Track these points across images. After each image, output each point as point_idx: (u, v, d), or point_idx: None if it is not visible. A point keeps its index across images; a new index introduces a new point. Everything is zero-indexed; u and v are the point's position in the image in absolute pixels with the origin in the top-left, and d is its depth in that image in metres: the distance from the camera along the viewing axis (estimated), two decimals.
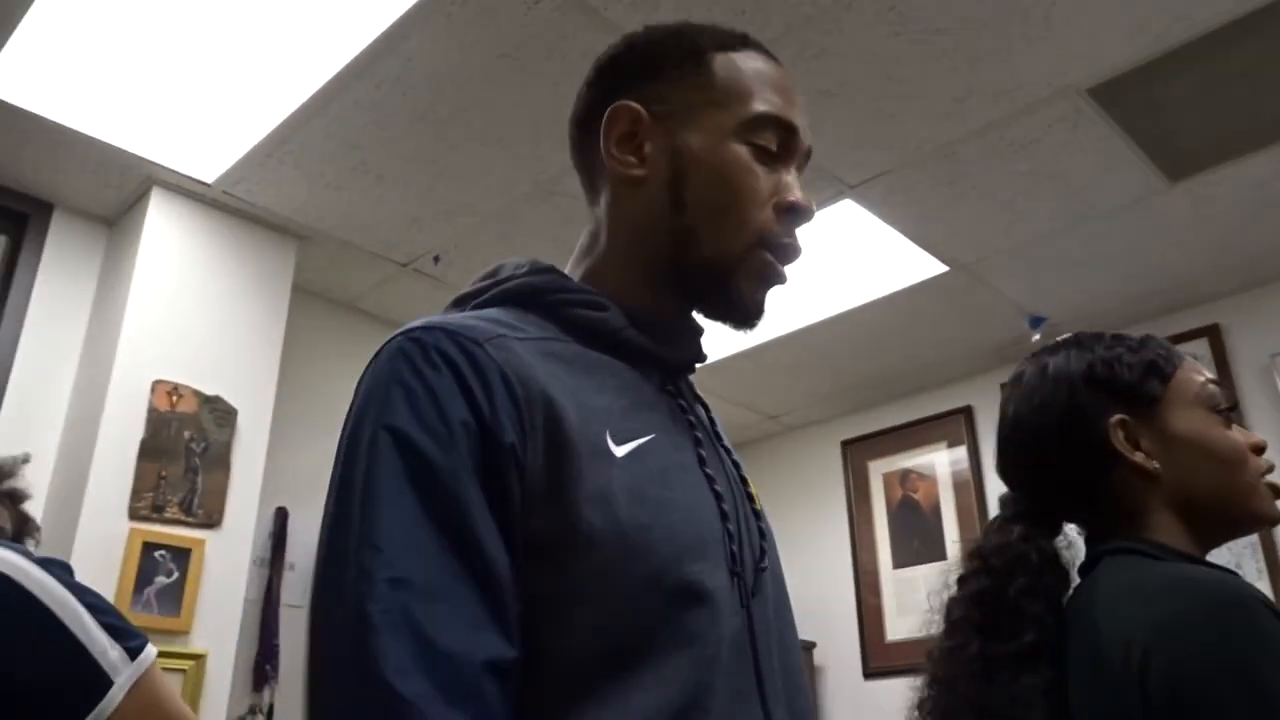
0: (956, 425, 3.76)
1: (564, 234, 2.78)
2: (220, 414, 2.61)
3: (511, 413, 0.67)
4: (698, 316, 0.86)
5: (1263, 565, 2.96)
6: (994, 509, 1.09)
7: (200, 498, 2.51)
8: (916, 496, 3.83)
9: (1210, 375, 1.07)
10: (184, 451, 2.51)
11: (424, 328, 0.72)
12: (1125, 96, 2.38)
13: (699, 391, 0.90)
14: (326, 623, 0.62)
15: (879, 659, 3.72)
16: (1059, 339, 1.12)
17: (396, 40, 2.18)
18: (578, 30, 2.15)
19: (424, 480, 0.64)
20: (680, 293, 0.82)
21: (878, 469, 3.99)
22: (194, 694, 2.35)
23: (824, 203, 2.77)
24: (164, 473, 2.47)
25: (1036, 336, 3.24)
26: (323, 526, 0.67)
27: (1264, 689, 0.80)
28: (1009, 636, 0.94)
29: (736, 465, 0.86)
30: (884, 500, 3.93)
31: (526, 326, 0.75)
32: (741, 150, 0.79)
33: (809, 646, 3.83)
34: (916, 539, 3.77)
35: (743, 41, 0.85)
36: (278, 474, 2.84)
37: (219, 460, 2.57)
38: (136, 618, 2.31)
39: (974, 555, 1.03)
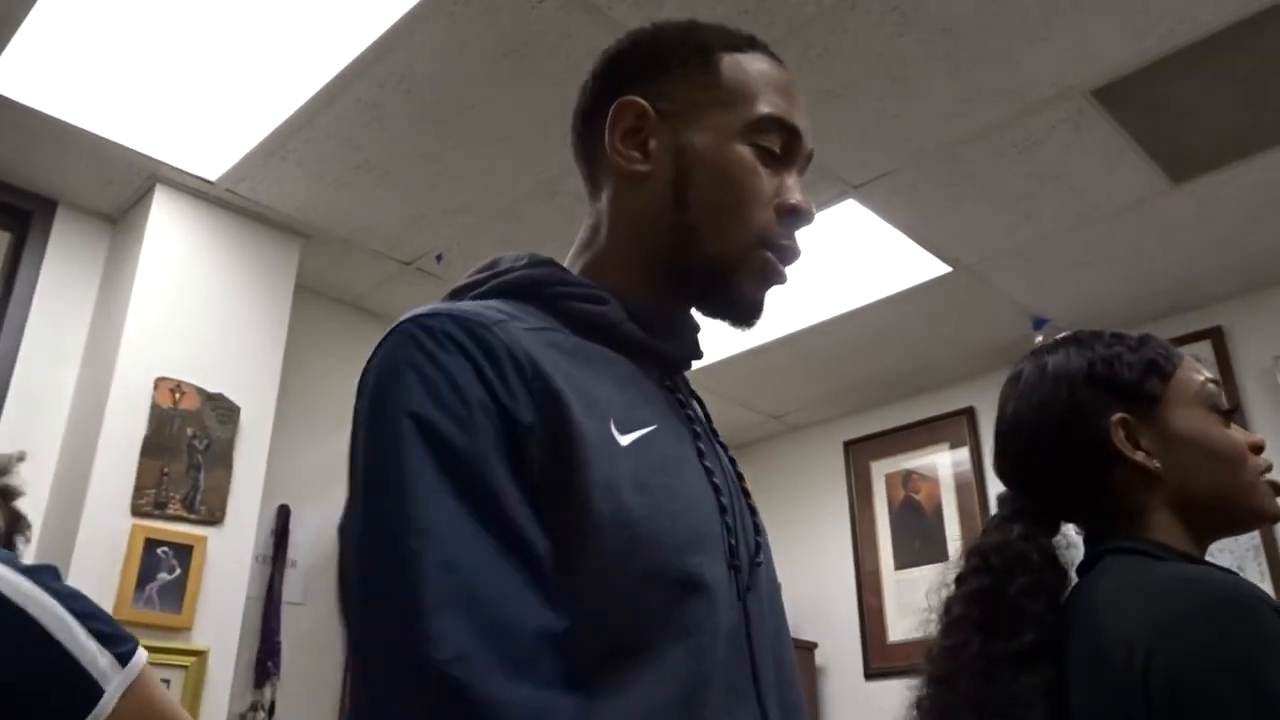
0: (959, 426, 3.76)
1: (566, 233, 2.76)
2: (223, 411, 2.61)
3: (524, 394, 0.68)
4: (695, 314, 0.86)
5: (1265, 568, 2.96)
6: (995, 510, 1.09)
7: (202, 495, 2.51)
8: (918, 497, 3.83)
9: (1210, 374, 1.07)
10: (186, 448, 2.52)
11: (428, 314, 0.71)
12: (1129, 98, 2.38)
13: (700, 390, 0.90)
14: (378, 608, 0.61)
15: (880, 660, 3.72)
16: (1058, 337, 1.11)
17: (400, 39, 2.18)
18: (581, 29, 2.15)
19: (454, 465, 0.64)
20: (680, 290, 0.83)
21: (880, 469, 3.99)
22: (195, 691, 2.36)
23: (827, 203, 2.77)
24: (166, 469, 2.47)
25: (1039, 338, 3.24)
26: (354, 517, 0.66)
27: (1267, 689, 0.80)
28: (1009, 635, 0.94)
29: (732, 461, 0.86)
30: (886, 501, 3.92)
31: (526, 318, 0.75)
32: (746, 151, 0.80)
33: (810, 647, 3.83)
34: (918, 540, 3.76)
35: (749, 43, 0.86)
36: (280, 471, 2.85)
37: (221, 457, 2.57)
38: (138, 614, 2.32)
39: (973, 554, 1.03)
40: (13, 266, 2.68)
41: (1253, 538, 2.98)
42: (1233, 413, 1.05)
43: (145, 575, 2.36)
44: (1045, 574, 0.99)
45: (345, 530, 0.68)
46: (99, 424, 2.44)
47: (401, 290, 3.19)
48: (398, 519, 0.62)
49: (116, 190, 2.75)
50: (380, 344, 0.72)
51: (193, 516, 2.48)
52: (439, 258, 2.98)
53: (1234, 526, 1.04)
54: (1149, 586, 0.91)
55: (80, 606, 1.11)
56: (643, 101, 0.81)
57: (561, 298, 0.78)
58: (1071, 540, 1.05)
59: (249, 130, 2.50)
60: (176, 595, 2.39)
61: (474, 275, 0.83)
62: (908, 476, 3.89)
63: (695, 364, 0.89)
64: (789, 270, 0.83)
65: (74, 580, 2.27)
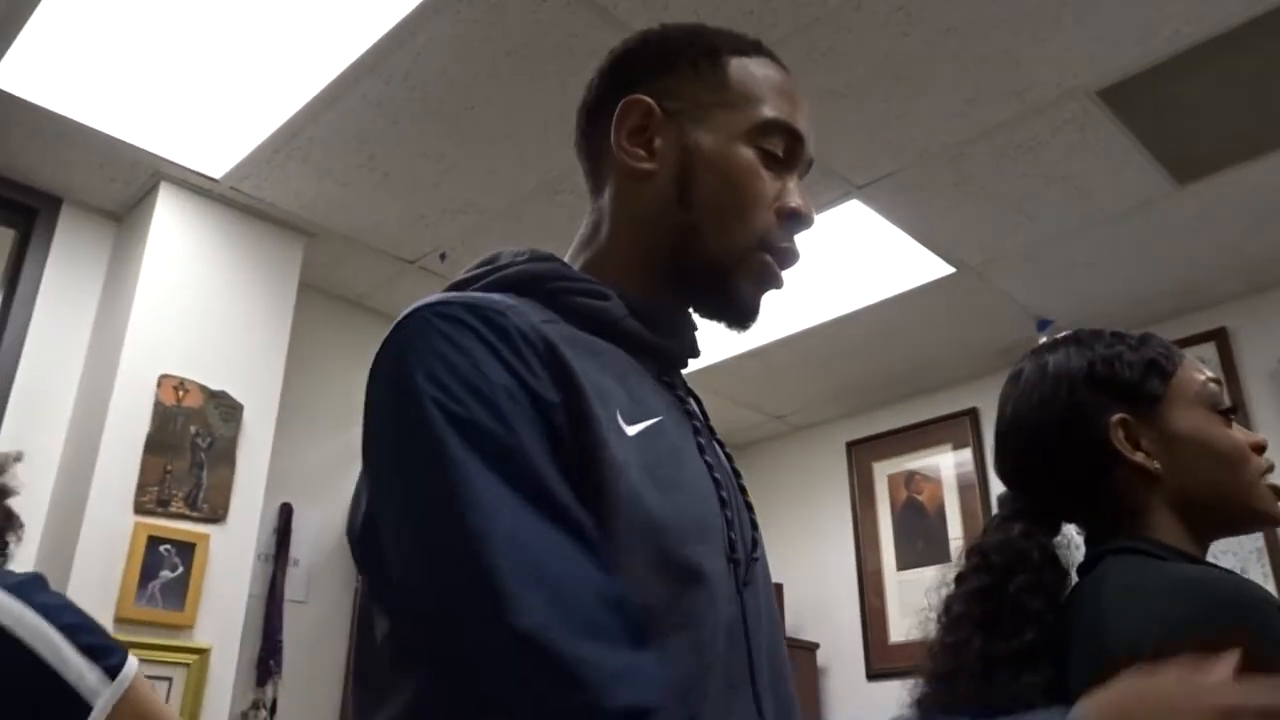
0: (962, 427, 3.76)
1: (569, 232, 2.77)
2: (226, 409, 2.61)
3: (545, 374, 0.68)
4: (693, 314, 0.87)
5: (1269, 569, 2.95)
6: (996, 510, 1.09)
7: (205, 492, 2.51)
8: (921, 498, 3.83)
9: (1210, 374, 1.06)
10: (189, 446, 2.52)
11: (441, 302, 0.71)
12: (1134, 99, 2.37)
13: (702, 390, 0.90)
14: (451, 585, 0.61)
15: (882, 660, 3.72)
16: (1058, 336, 1.11)
17: (405, 37, 2.18)
18: (586, 28, 2.15)
19: (493, 447, 0.64)
20: (679, 289, 0.83)
21: (882, 470, 3.98)
22: (197, 689, 2.36)
23: (831, 203, 2.76)
24: (169, 467, 2.47)
25: (1043, 339, 3.23)
26: (394, 502, 0.66)
27: None
28: (1010, 634, 0.94)
29: (729, 458, 0.87)
30: (888, 501, 3.92)
31: (529, 310, 0.75)
32: (750, 153, 0.81)
33: (812, 647, 3.83)
34: (921, 541, 3.76)
35: (756, 48, 0.87)
36: (283, 470, 2.85)
37: (224, 455, 2.58)
38: (140, 612, 2.32)
39: (973, 552, 1.03)
40: (17, 263, 2.68)
41: (1256, 539, 2.97)
42: (1234, 411, 1.05)
43: (148, 573, 2.36)
44: (1045, 573, 0.98)
45: (380, 516, 0.67)
46: (102, 421, 2.44)
47: (405, 289, 3.19)
48: (454, 500, 0.62)
49: (121, 187, 2.75)
50: (394, 331, 0.71)
51: (195, 514, 2.48)
52: (442, 256, 2.98)
53: (1234, 527, 1.03)
54: (1152, 587, 0.91)
55: (67, 619, 1.09)
56: (649, 100, 0.82)
57: (563, 292, 0.78)
58: (1073, 540, 1.05)
59: (253, 128, 2.50)
60: (179, 593, 2.40)
61: (473, 270, 0.83)
62: (910, 477, 3.89)
63: (696, 363, 0.89)
64: (787, 274, 0.84)
65: (76, 578, 2.28)
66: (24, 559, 2.44)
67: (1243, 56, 2.25)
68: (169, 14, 2.15)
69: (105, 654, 1.09)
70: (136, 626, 2.32)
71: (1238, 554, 2.98)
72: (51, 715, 1.04)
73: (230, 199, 2.79)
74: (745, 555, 0.78)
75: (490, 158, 2.58)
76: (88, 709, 1.04)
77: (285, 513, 2.94)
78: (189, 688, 2.35)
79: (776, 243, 0.81)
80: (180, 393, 2.55)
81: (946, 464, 3.78)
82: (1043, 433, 1.04)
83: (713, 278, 0.81)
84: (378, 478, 0.69)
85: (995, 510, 1.08)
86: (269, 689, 2.72)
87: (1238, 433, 1.03)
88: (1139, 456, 1.00)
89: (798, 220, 0.82)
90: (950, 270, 3.09)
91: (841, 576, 3.94)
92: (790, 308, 3.28)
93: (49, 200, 2.76)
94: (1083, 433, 1.02)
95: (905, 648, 3.61)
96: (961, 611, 0.99)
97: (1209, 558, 1.02)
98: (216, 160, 2.63)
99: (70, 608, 1.13)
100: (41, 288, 2.68)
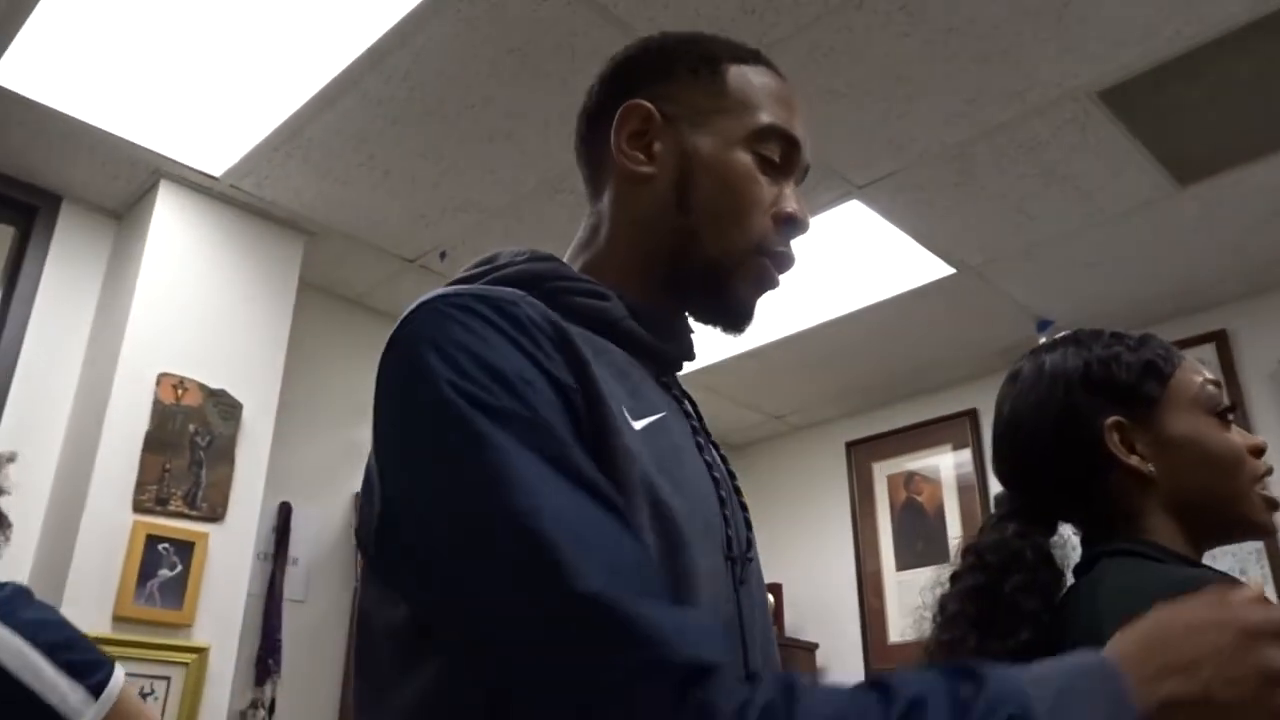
0: (961, 428, 3.76)
1: (571, 231, 2.76)
2: (225, 408, 2.61)
3: (559, 359, 0.69)
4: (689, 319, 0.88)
5: (1268, 571, 2.95)
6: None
7: (204, 491, 2.51)
8: (920, 499, 3.83)
9: (1209, 376, 1.05)
10: (188, 445, 2.52)
11: (452, 293, 0.71)
12: (1135, 100, 2.37)
13: (702, 390, 0.90)
14: (505, 556, 0.60)
15: (881, 661, 3.72)
16: (1058, 336, 1.11)
17: (405, 35, 2.18)
18: (587, 27, 2.15)
19: (522, 429, 0.63)
20: (676, 292, 0.84)
21: (882, 471, 3.98)
22: (195, 688, 2.36)
23: (831, 203, 2.76)
24: (168, 466, 2.47)
25: (1043, 339, 3.23)
26: (425, 490, 0.65)
27: None
28: (1005, 634, 0.94)
29: (724, 459, 0.88)
30: (888, 502, 3.92)
31: (536, 301, 0.75)
32: (747, 159, 0.82)
33: (811, 648, 3.83)
34: (920, 541, 3.76)
35: (755, 56, 0.88)
36: (282, 468, 2.85)
37: (223, 454, 2.57)
38: (139, 610, 2.32)
39: (968, 552, 1.03)
40: (17, 261, 2.68)
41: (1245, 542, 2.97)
42: (1232, 410, 1.04)
43: (146, 571, 2.36)
44: (1040, 573, 0.98)
45: (403, 503, 0.66)
46: (101, 419, 2.44)
47: (405, 288, 3.18)
48: (496, 478, 0.61)
49: (121, 185, 2.75)
50: (404, 322, 0.71)
51: (194, 513, 2.48)
52: (443, 255, 2.98)
53: (1228, 533, 1.03)
54: (1148, 589, 0.91)
55: (49, 637, 1.07)
56: (649, 105, 0.84)
57: (562, 292, 0.78)
58: (1069, 541, 1.05)
59: (254, 126, 2.50)
60: (177, 592, 2.39)
61: (472, 269, 0.83)
62: (910, 478, 3.89)
63: (696, 363, 0.90)
64: (784, 277, 0.85)
65: (74, 576, 2.27)
66: (23, 557, 2.44)
67: (1244, 58, 2.25)
68: (170, 12, 2.15)
69: (89, 671, 1.08)
70: (135, 625, 2.31)
71: (1237, 555, 2.98)
72: None
73: (230, 197, 2.78)
74: (741, 554, 0.79)
75: (490, 156, 2.58)
76: None
77: (284, 511, 2.94)
78: (187, 687, 2.34)
79: (773, 247, 0.82)
80: (179, 391, 2.55)
81: (946, 464, 3.78)
82: (1039, 434, 1.04)
83: (710, 281, 0.82)
84: (400, 466, 0.68)
85: (993, 510, 1.08)
86: (268, 688, 2.72)
87: (1236, 436, 1.02)
88: (1133, 460, 0.99)
89: (794, 225, 0.84)
90: (950, 270, 3.09)
91: (841, 577, 3.94)
92: (790, 308, 3.28)
93: (49, 198, 2.75)
94: (1078, 435, 1.01)
95: (904, 648, 3.61)
96: (957, 610, 0.99)
97: (1207, 560, 1.02)
98: (217, 158, 2.63)
99: (53, 623, 1.11)
100: (41, 285, 2.68)
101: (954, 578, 1.03)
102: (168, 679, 2.33)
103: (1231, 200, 2.75)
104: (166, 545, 2.41)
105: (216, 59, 2.29)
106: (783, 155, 0.84)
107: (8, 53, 2.25)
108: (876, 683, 0.58)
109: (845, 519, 4.01)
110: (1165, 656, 0.60)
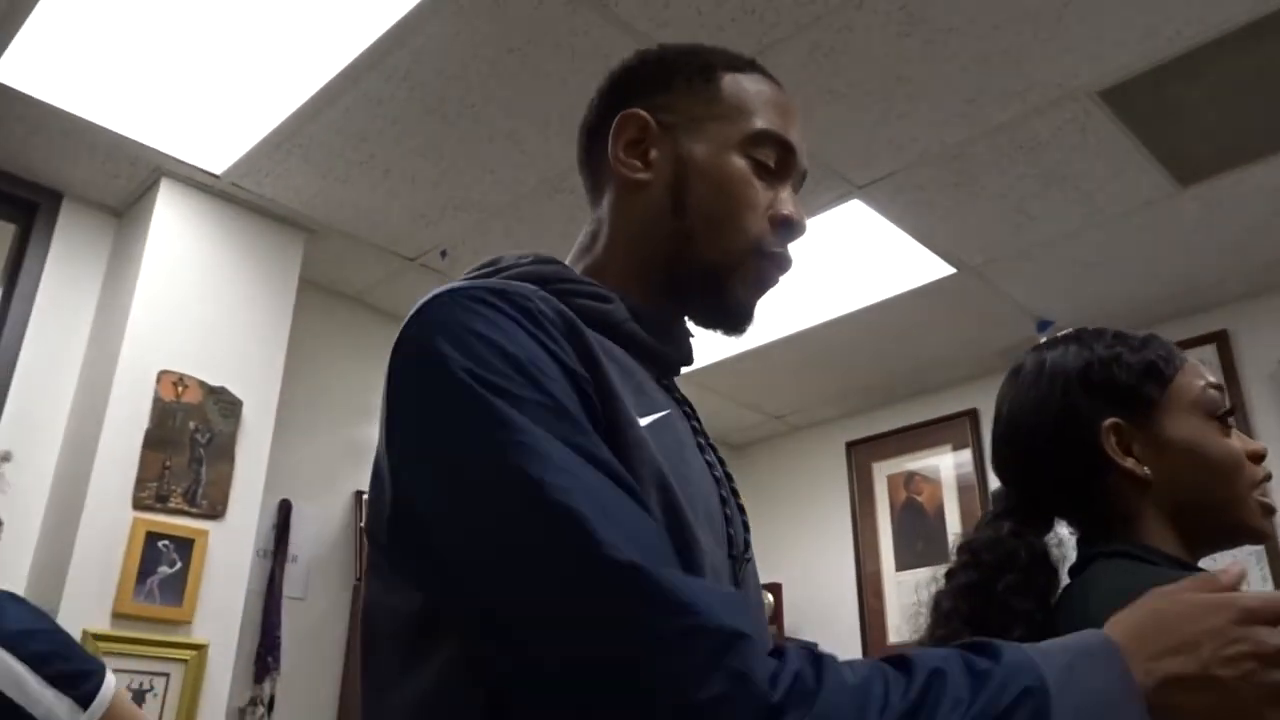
0: (961, 428, 3.75)
1: (571, 230, 2.76)
2: (225, 405, 2.61)
3: (571, 350, 0.69)
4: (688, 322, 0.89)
5: (1268, 573, 2.95)
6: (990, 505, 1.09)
7: (204, 488, 2.51)
8: (920, 499, 3.82)
9: (1211, 379, 1.05)
10: (189, 442, 2.52)
11: (464, 286, 0.72)
12: (1136, 100, 2.37)
13: (702, 390, 0.91)
14: (538, 527, 0.60)
15: None
16: (1061, 334, 1.10)
17: (406, 34, 2.18)
18: (587, 26, 2.15)
19: (542, 412, 0.64)
20: (674, 296, 0.85)
21: (882, 471, 3.98)
22: (195, 685, 2.36)
23: (831, 203, 2.76)
24: (168, 463, 2.47)
25: (1043, 340, 3.23)
26: (446, 475, 0.65)
27: None
28: (997, 631, 0.94)
29: (721, 462, 0.89)
30: (888, 502, 3.92)
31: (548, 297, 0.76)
32: (741, 163, 0.83)
33: (810, 648, 3.82)
34: (920, 542, 3.76)
35: (751, 65, 0.90)
36: (281, 466, 2.85)
37: (223, 451, 2.58)
38: (138, 607, 2.32)
39: (963, 549, 1.03)
40: (18, 258, 2.68)
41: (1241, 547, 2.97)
42: (1232, 414, 1.04)
43: (146, 568, 2.36)
44: (1034, 573, 0.98)
45: (421, 489, 0.66)
46: (102, 416, 2.44)
47: (405, 286, 3.19)
48: (524, 461, 0.61)
49: (122, 183, 2.75)
50: (416, 314, 0.71)
51: (194, 510, 2.48)
52: (443, 254, 2.98)
53: (1224, 538, 1.02)
54: (1140, 591, 0.91)
55: (35, 648, 1.05)
56: (645, 114, 0.86)
57: (566, 294, 0.79)
58: (1062, 539, 1.05)
59: (255, 124, 2.50)
60: (177, 589, 2.40)
61: (475, 272, 0.84)
62: (910, 478, 3.89)
63: (696, 362, 0.91)
64: (781, 279, 0.86)
65: (74, 573, 2.28)
66: (23, 553, 2.45)
67: (1245, 58, 2.25)
68: (171, 10, 2.15)
69: (77, 681, 1.06)
70: (134, 622, 2.32)
71: (1236, 556, 2.97)
72: None
73: (231, 195, 2.79)
74: (741, 554, 0.80)
75: (490, 155, 2.58)
76: None
77: (284, 509, 2.94)
78: (187, 684, 2.35)
79: (769, 248, 0.83)
80: (179, 388, 2.55)
81: (946, 465, 3.78)
82: (1037, 433, 1.04)
83: (708, 283, 0.83)
84: (419, 452, 0.67)
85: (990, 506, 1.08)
86: (267, 685, 2.72)
87: (1236, 441, 1.02)
88: (1129, 462, 0.99)
89: (790, 228, 0.85)
90: (950, 270, 3.09)
91: (840, 577, 3.94)
92: (790, 308, 3.28)
93: (50, 195, 2.76)
94: (1076, 435, 1.01)
95: (904, 649, 3.60)
96: (950, 607, 0.99)
97: (1207, 564, 1.02)
98: (217, 156, 2.63)
99: (40, 632, 1.09)
100: (42, 283, 2.68)
101: (949, 574, 1.03)
102: (167, 676, 2.33)
103: (1232, 201, 2.75)
104: (166, 542, 2.41)
105: (218, 57, 2.30)
106: (778, 160, 0.85)
107: (9, 50, 2.25)
108: (896, 657, 0.61)
109: (845, 519, 4.01)
110: (1166, 637, 0.64)
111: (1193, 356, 1.08)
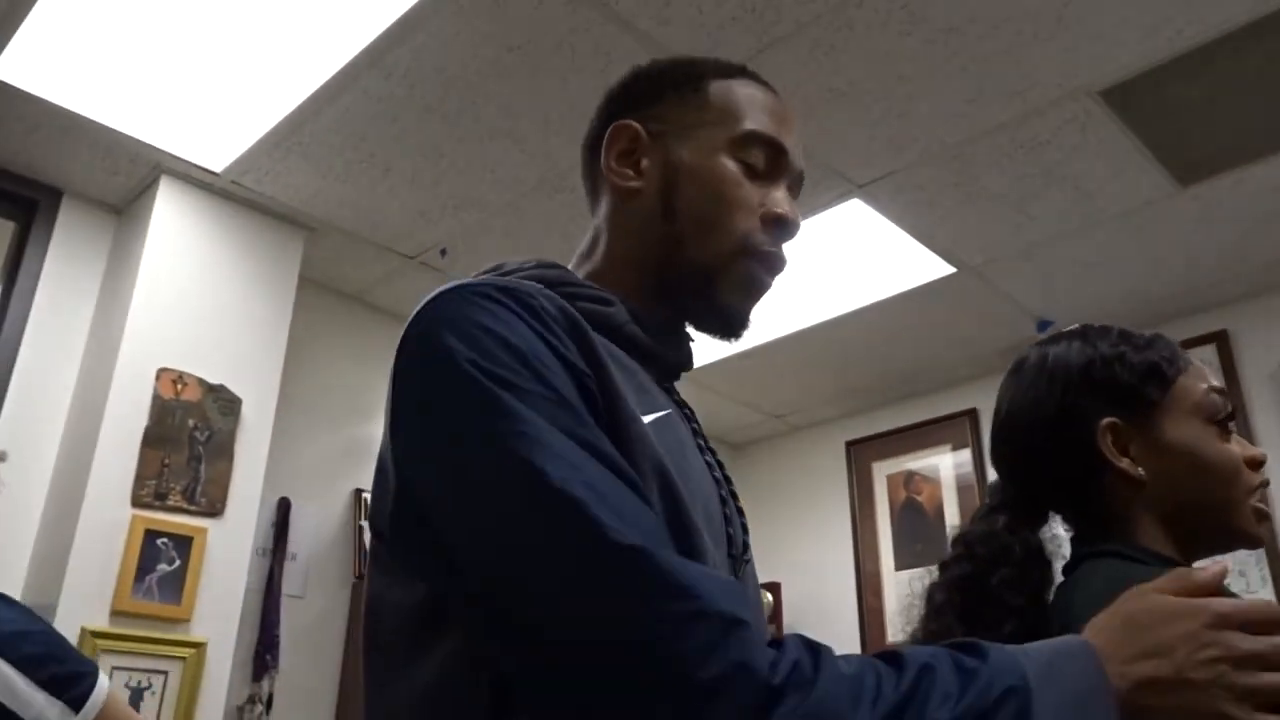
0: (961, 428, 3.75)
1: (571, 229, 2.78)
2: (224, 403, 2.61)
3: (574, 348, 0.70)
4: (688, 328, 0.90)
5: (1267, 574, 2.95)
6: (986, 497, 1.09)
7: (203, 486, 2.51)
8: (920, 499, 3.82)
9: (1214, 383, 1.04)
10: (188, 440, 2.52)
11: (472, 282, 0.73)
12: (1137, 99, 2.37)
13: (702, 390, 0.92)
14: (543, 515, 0.61)
15: None
16: (1066, 329, 1.10)
17: (406, 32, 2.18)
18: (588, 24, 2.14)
19: (546, 406, 0.65)
20: (668, 300, 0.86)
21: (881, 470, 3.98)
22: (193, 683, 2.36)
23: (831, 202, 2.76)
24: (167, 460, 2.47)
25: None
26: (451, 466, 0.65)
27: None
28: (990, 625, 0.94)
29: (720, 464, 0.89)
30: (887, 502, 3.92)
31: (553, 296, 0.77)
32: (731, 165, 0.84)
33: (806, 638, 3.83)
34: (919, 541, 3.76)
35: (741, 71, 0.91)
36: (281, 464, 2.85)
37: (222, 449, 2.58)
38: (137, 605, 2.32)
39: (957, 542, 1.03)
40: (17, 256, 2.68)
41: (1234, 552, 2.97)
42: (1233, 418, 1.03)
43: (145, 566, 2.36)
44: (1027, 568, 0.98)
45: (425, 480, 0.67)
46: (101, 414, 2.44)
47: (405, 284, 3.19)
48: (529, 451, 0.62)
49: (122, 181, 2.75)
50: (422, 309, 0.72)
51: (193, 508, 2.48)
52: (443, 252, 2.98)
53: (1218, 542, 1.02)
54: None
55: (27, 650, 1.04)
56: (635, 124, 0.87)
57: (568, 297, 0.79)
58: (1057, 533, 1.04)
59: (255, 122, 2.50)
60: (176, 586, 2.40)
61: (479, 276, 0.84)
62: (909, 478, 3.89)
63: (696, 362, 0.92)
64: (773, 281, 0.86)
65: (73, 571, 2.27)
66: (21, 551, 2.45)
67: (1245, 58, 2.24)
68: (171, 7, 2.15)
69: (70, 684, 1.05)
70: (133, 619, 2.32)
71: (1235, 557, 2.98)
72: None
73: (231, 193, 2.78)
74: (740, 555, 0.80)
75: (491, 154, 2.58)
76: None
77: (283, 507, 2.94)
78: (185, 681, 2.34)
79: (760, 246, 0.84)
80: (179, 386, 2.55)
81: (946, 464, 3.78)
82: (1035, 429, 1.04)
83: (698, 284, 0.84)
84: (425, 444, 0.68)
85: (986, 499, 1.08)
86: (265, 683, 2.72)
87: (1235, 446, 1.01)
88: (1124, 463, 0.99)
89: (783, 227, 0.85)
90: (951, 270, 3.09)
91: (840, 577, 3.94)
92: (790, 307, 3.28)
93: (49, 193, 2.76)
94: (1073, 433, 1.01)
95: (896, 646, 3.60)
96: (944, 600, 0.99)
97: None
98: (217, 154, 2.63)
99: (31, 634, 1.08)
100: (41, 280, 2.68)
101: (943, 566, 1.03)
102: (165, 673, 2.33)
103: (1232, 201, 2.75)
104: (165, 540, 2.41)
105: (218, 55, 2.29)
106: (768, 160, 0.85)
107: (9, 47, 2.25)
108: (888, 653, 0.62)
109: (845, 519, 4.01)
110: (1142, 641, 0.66)
111: (1193, 357, 1.08)
